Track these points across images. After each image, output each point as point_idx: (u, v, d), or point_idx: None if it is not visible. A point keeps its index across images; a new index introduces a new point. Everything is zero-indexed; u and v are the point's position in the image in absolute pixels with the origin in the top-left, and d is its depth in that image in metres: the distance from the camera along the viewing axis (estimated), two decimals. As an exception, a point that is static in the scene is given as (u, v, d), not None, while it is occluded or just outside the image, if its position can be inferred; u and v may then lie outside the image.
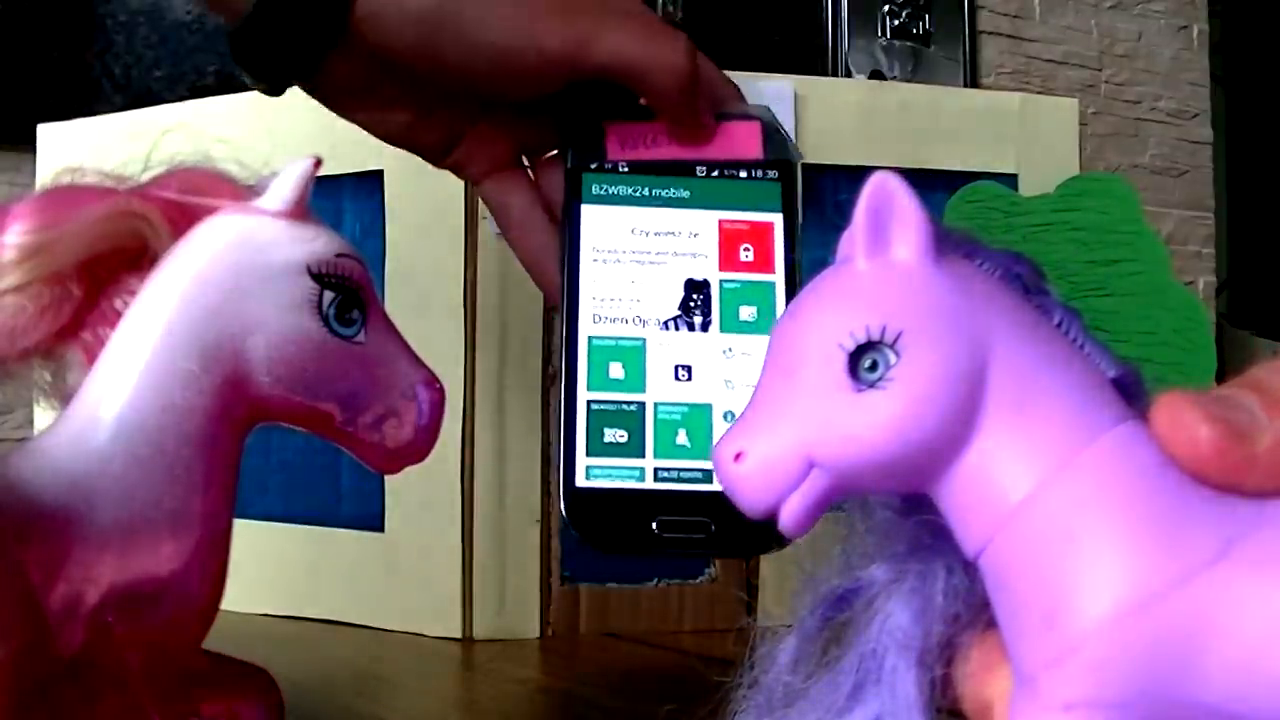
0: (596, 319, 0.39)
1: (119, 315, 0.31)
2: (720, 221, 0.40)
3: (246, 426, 0.32)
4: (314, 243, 0.32)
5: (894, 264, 0.25)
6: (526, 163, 0.43)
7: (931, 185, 0.57)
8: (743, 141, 0.41)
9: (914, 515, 0.26)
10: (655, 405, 0.38)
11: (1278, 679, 0.20)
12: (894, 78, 1.11)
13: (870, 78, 1.10)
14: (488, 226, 0.54)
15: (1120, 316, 0.55)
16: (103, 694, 0.28)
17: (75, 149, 0.61)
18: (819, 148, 0.58)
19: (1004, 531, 0.23)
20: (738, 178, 0.41)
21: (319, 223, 0.33)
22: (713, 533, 0.36)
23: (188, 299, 0.30)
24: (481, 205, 0.50)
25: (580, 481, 0.37)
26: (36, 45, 0.83)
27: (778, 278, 0.40)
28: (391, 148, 0.42)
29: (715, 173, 0.41)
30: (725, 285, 0.39)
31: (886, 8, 1.12)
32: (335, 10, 0.36)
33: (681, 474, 0.37)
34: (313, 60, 0.37)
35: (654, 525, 0.36)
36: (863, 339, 0.24)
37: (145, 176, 0.33)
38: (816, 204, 0.59)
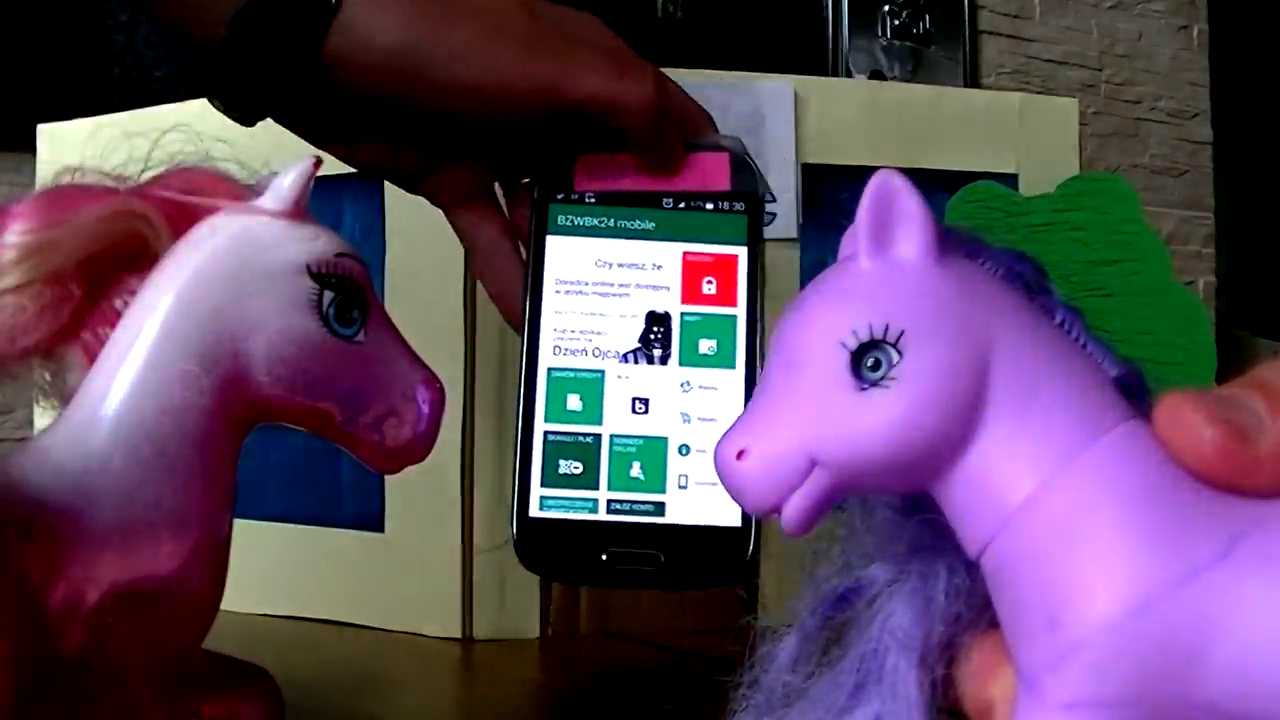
0: (557, 350, 0.39)
1: (119, 315, 0.31)
2: (684, 253, 0.40)
3: (246, 426, 0.32)
4: (314, 242, 0.32)
5: (897, 263, 0.25)
6: (500, 192, 0.44)
7: (931, 185, 0.57)
8: (711, 173, 0.41)
9: (915, 515, 0.26)
10: (611, 437, 0.38)
11: (1278, 679, 0.20)
12: (894, 78, 1.12)
13: (870, 78, 1.10)
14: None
15: (1120, 316, 0.55)
16: (103, 694, 0.28)
17: (75, 149, 0.61)
18: (819, 148, 0.58)
19: (1006, 531, 0.23)
20: (704, 210, 0.41)
21: (319, 223, 0.33)
22: (663, 564, 0.37)
23: (187, 299, 0.30)
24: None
25: (533, 511, 0.37)
26: (36, 45, 0.83)
27: (739, 311, 0.40)
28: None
29: (681, 204, 0.41)
30: (686, 318, 0.40)
31: (886, 8, 1.12)
32: (306, 48, 0.36)
33: (634, 506, 0.38)
34: (284, 96, 0.38)
35: (604, 556, 0.37)
36: (865, 338, 0.24)
37: (145, 176, 0.33)
38: (817, 204, 0.59)
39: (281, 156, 0.37)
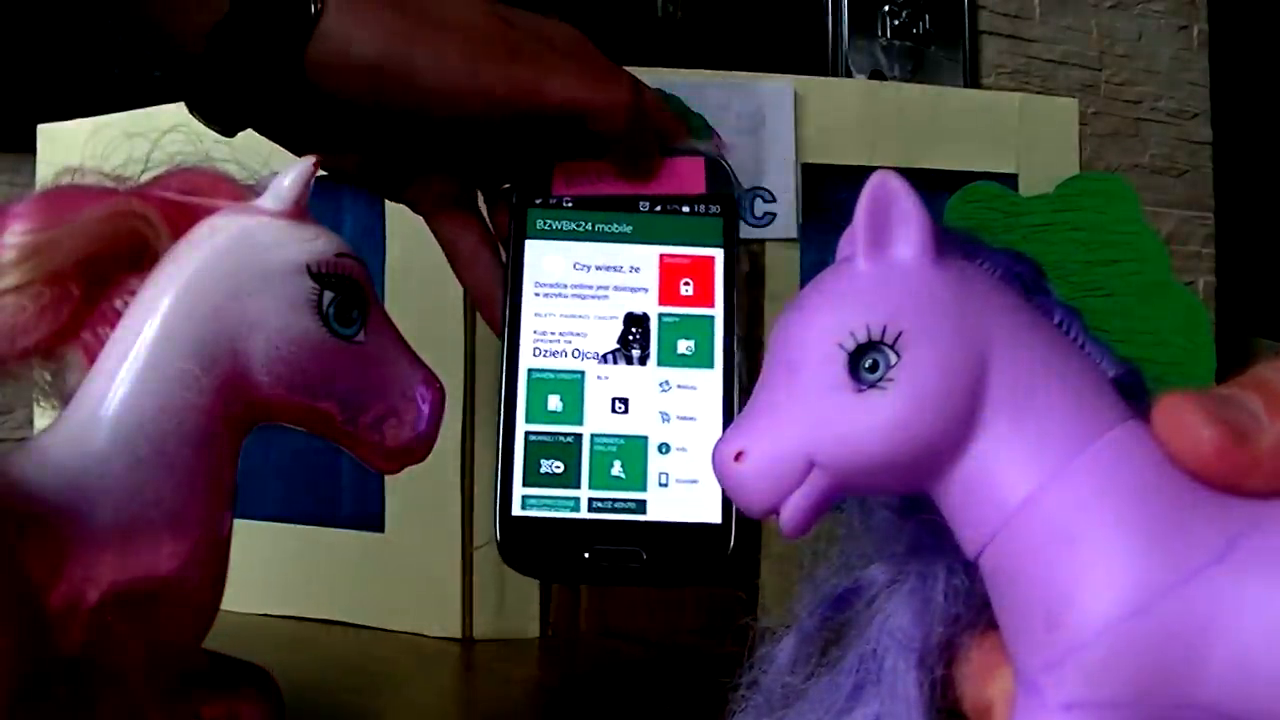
0: (537, 352, 0.40)
1: (118, 315, 0.31)
2: (661, 256, 0.41)
3: (246, 426, 0.32)
4: (314, 242, 0.32)
5: (894, 264, 0.25)
6: (481, 198, 0.44)
7: (931, 185, 0.57)
8: (687, 177, 0.42)
9: (914, 516, 0.26)
10: (592, 437, 0.39)
11: (1277, 679, 0.20)
12: (894, 78, 1.12)
13: (870, 78, 1.10)
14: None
15: (1120, 316, 0.55)
16: (102, 694, 0.28)
17: (75, 149, 0.61)
18: (819, 148, 0.58)
19: (1004, 532, 0.23)
20: (680, 212, 0.41)
21: (318, 223, 0.33)
22: (644, 562, 0.37)
23: (187, 299, 0.30)
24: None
25: (515, 510, 0.38)
26: (36, 45, 0.83)
27: (717, 311, 0.40)
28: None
29: (658, 207, 0.41)
30: (664, 319, 0.40)
31: (886, 8, 1.12)
32: (287, 58, 0.36)
33: (615, 504, 0.38)
34: (265, 106, 0.38)
35: (586, 554, 0.37)
36: (863, 339, 0.24)
37: (145, 177, 0.33)
38: (817, 204, 0.59)
39: (281, 157, 0.37)
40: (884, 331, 0.24)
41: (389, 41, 0.37)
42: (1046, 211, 0.57)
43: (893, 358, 0.24)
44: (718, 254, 0.41)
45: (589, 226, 0.41)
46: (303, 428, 0.33)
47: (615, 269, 0.41)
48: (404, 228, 0.57)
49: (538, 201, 0.41)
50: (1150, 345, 0.54)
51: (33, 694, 0.23)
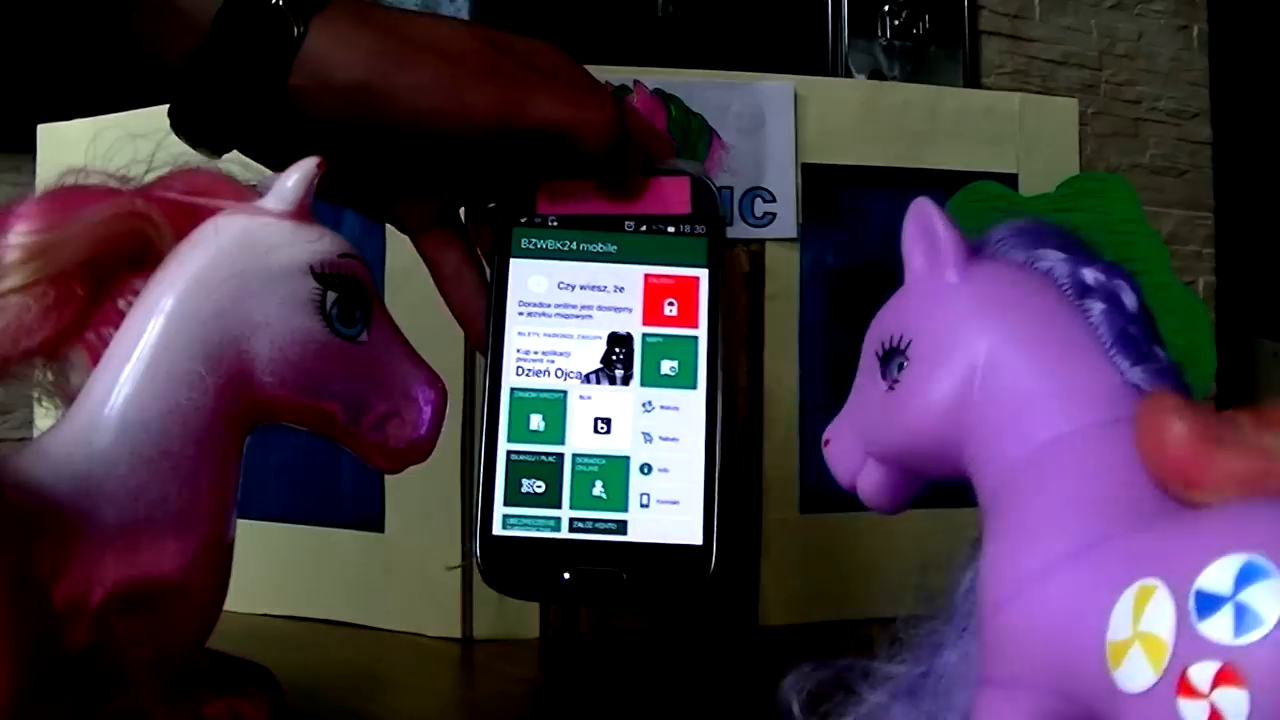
0: (520, 371, 0.40)
1: (122, 315, 0.31)
2: (646, 276, 0.41)
3: (250, 426, 0.32)
4: (317, 243, 0.32)
5: (922, 279, 0.28)
6: (465, 217, 0.44)
7: (931, 185, 0.57)
8: (672, 197, 0.42)
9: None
10: (573, 457, 0.39)
11: (1087, 672, 0.21)
12: (894, 78, 1.12)
13: (870, 78, 1.10)
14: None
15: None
16: (106, 693, 0.28)
17: (75, 149, 0.61)
18: (819, 148, 0.58)
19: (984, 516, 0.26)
20: (665, 233, 0.41)
21: (322, 223, 0.33)
22: (624, 582, 0.37)
23: (191, 299, 0.30)
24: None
25: (496, 530, 0.38)
26: (36, 45, 0.83)
27: (701, 332, 0.40)
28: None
29: (643, 227, 0.41)
30: (647, 339, 0.40)
31: (886, 8, 1.12)
32: (270, 81, 0.36)
33: (597, 524, 0.38)
34: (248, 128, 0.38)
35: (566, 574, 0.37)
36: (889, 346, 0.28)
37: (149, 177, 0.33)
38: (817, 204, 0.59)
39: (283, 157, 0.37)
40: (900, 340, 0.28)
41: (371, 63, 0.37)
42: (1046, 211, 0.57)
43: (905, 362, 0.27)
44: (702, 274, 0.41)
45: (573, 246, 0.41)
46: (305, 428, 0.33)
47: (599, 289, 0.41)
48: (405, 228, 0.57)
49: (522, 220, 0.41)
50: (1150, 345, 0.54)
51: (39, 693, 0.23)
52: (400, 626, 0.56)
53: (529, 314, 0.40)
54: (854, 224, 0.60)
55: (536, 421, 0.39)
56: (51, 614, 0.25)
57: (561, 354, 0.40)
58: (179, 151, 0.34)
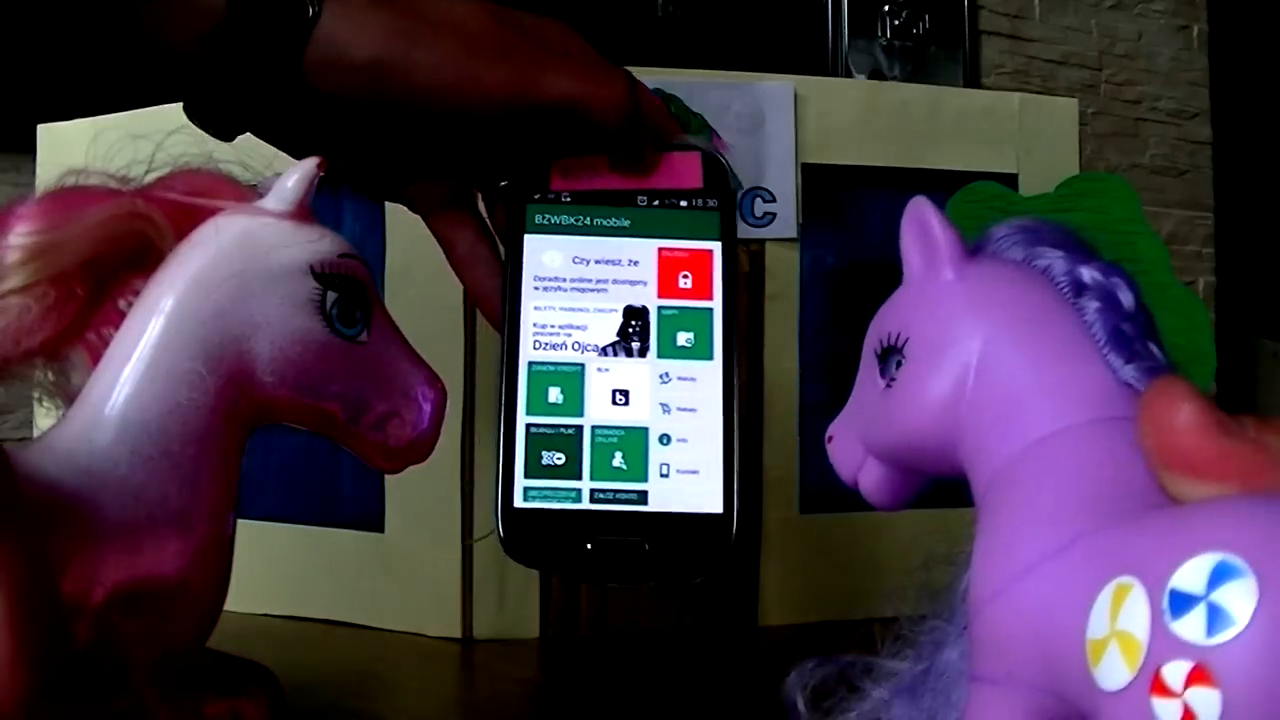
0: (537, 345, 0.40)
1: (123, 316, 0.31)
2: (660, 249, 0.41)
3: (250, 426, 0.32)
4: (317, 243, 0.32)
5: (919, 278, 0.29)
6: (479, 196, 0.44)
7: (931, 185, 0.57)
8: (684, 172, 0.42)
9: None
10: (592, 429, 0.39)
11: (1070, 669, 0.21)
12: (894, 78, 1.12)
13: (870, 78, 1.10)
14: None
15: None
16: (107, 692, 0.28)
17: (75, 149, 0.61)
18: (819, 148, 0.59)
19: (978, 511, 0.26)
20: (678, 207, 0.42)
21: (322, 224, 0.33)
22: (647, 553, 0.37)
23: (191, 299, 0.30)
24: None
25: (518, 502, 0.38)
26: (36, 45, 0.83)
27: (715, 304, 0.40)
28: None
29: (656, 202, 0.42)
30: (663, 312, 0.40)
31: (886, 8, 1.12)
32: (285, 62, 0.36)
33: (617, 495, 0.38)
34: (263, 109, 0.38)
35: (589, 545, 0.37)
36: (887, 344, 0.28)
37: (149, 177, 0.33)
38: (817, 204, 0.59)
39: (284, 158, 0.37)
40: (896, 338, 0.28)
41: (386, 42, 0.37)
42: (1046, 211, 0.57)
43: (901, 360, 0.28)
44: (715, 247, 0.41)
45: (587, 221, 0.41)
46: (305, 427, 0.33)
47: (614, 263, 0.41)
48: (404, 228, 0.57)
49: (536, 197, 0.41)
50: (1150, 345, 0.54)
51: (51, 690, 0.23)
52: (400, 626, 0.56)
53: (545, 289, 0.40)
54: (854, 224, 0.60)
55: (555, 394, 0.39)
56: (62, 609, 0.25)
57: (578, 327, 0.40)
58: (179, 152, 0.34)
